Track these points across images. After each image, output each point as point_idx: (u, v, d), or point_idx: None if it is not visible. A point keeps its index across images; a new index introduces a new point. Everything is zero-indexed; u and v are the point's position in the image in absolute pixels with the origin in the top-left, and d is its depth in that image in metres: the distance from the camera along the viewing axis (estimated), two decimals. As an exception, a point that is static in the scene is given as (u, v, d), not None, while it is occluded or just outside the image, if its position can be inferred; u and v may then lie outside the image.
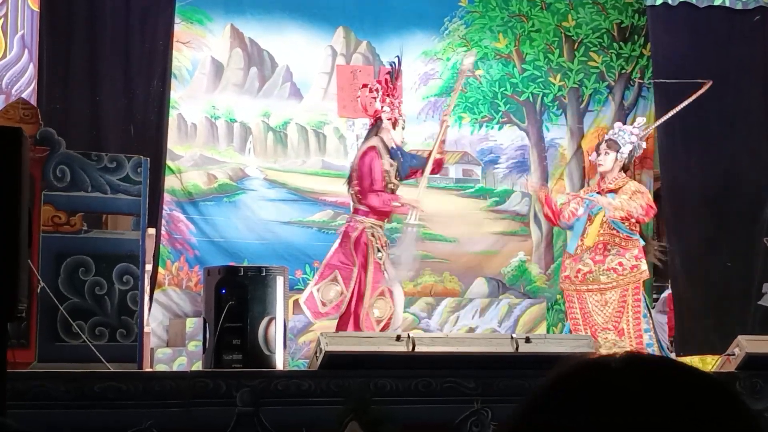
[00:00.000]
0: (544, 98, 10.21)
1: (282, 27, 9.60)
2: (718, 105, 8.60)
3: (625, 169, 7.60)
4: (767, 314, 8.14)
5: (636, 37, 10.41)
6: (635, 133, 7.62)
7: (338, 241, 7.26)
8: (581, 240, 7.50)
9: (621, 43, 10.40)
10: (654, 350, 7.24)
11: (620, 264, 7.39)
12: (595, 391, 1.03)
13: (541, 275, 10.03)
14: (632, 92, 10.35)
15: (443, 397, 5.07)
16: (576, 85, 10.27)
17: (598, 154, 7.61)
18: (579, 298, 7.47)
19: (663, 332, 8.54)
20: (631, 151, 7.59)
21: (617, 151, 7.51)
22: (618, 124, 7.92)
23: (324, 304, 7.00)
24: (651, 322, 7.44)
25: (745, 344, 5.68)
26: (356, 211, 7.33)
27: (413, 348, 5.17)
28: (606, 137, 7.72)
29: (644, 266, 7.44)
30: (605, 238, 7.44)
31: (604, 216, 7.45)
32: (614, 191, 7.48)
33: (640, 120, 7.95)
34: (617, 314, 7.36)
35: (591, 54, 10.34)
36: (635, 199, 7.44)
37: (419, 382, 5.05)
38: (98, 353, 5.23)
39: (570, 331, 7.48)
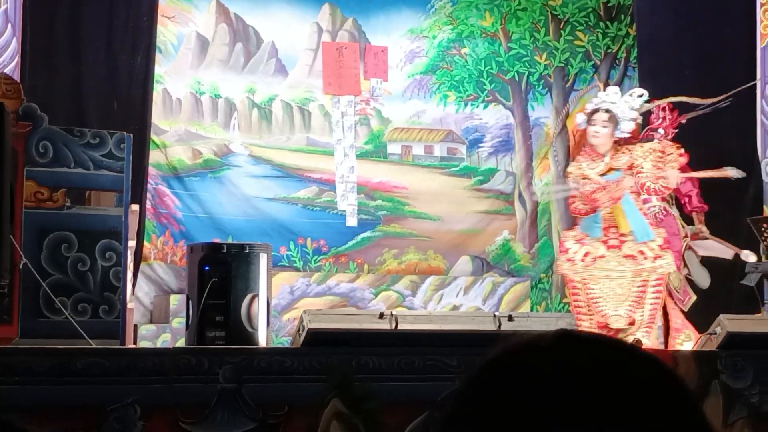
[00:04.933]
0: (530, 77, 10.20)
1: (268, 3, 9.57)
2: (704, 85, 8.60)
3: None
4: (750, 294, 8.16)
5: (622, 16, 10.40)
6: (635, 108, 6.90)
7: None
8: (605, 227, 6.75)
9: (607, 22, 10.40)
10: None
11: (641, 252, 6.73)
12: (526, 370, 1.04)
13: (525, 254, 10.05)
14: (618, 71, 10.35)
15: (426, 374, 5.08)
16: (562, 65, 10.27)
17: (591, 123, 6.80)
18: (584, 286, 6.76)
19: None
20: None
21: (616, 126, 6.79)
22: (614, 90, 7.03)
23: None
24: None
25: (727, 323, 5.68)
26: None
27: (396, 326, 5.17)
28: (603, 106, 6.80)
29: (669, 257, 6.81)
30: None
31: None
32: (615, 169, 6.79)
33: (639, 91, 7.10)
34: (631, 305, 6.69)
35: (577, 33, 10.34)
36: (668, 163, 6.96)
37: (402, 359, 5.06)
38: (81, 329, 5.22)
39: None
